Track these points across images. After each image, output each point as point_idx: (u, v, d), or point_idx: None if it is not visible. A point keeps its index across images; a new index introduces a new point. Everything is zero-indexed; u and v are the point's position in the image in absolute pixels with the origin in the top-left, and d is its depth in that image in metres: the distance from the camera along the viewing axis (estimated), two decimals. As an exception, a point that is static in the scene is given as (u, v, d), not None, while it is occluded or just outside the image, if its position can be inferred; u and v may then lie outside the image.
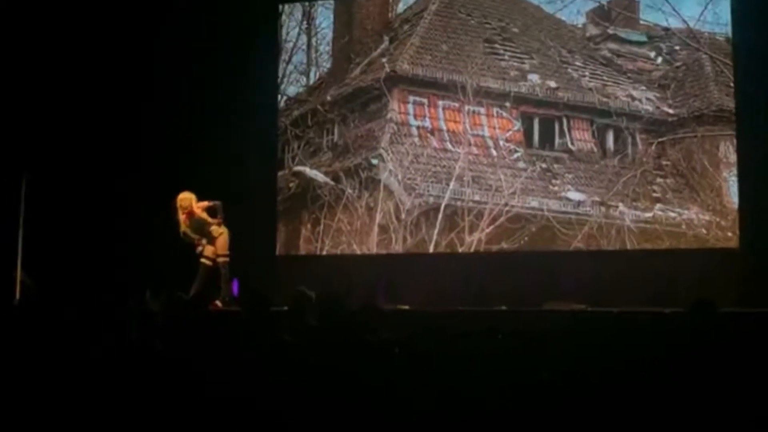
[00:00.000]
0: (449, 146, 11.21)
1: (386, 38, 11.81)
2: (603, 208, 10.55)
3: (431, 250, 11.07)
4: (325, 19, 12.26)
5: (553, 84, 11.01)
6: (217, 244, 10.28)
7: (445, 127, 11.26)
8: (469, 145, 11.14)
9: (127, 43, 11.50)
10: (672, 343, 5.01)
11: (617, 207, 10.51)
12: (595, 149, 10.80)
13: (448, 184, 11.06)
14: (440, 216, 11.04)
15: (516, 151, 11.01)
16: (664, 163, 10.49)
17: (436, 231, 11.04)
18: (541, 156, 10.93)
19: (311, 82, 12.23)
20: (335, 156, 11.77)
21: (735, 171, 10.10)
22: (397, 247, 11.23)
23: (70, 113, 11.47)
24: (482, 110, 11.15)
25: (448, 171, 11.11)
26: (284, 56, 12.24)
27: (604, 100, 10.79)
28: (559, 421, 4.23)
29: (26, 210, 10.14)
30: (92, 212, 11.35)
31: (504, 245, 10.83)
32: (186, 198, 10.25)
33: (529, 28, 11.30)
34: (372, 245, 11.38)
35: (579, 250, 10.57)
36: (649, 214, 10.40)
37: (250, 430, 4.29)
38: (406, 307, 10.07)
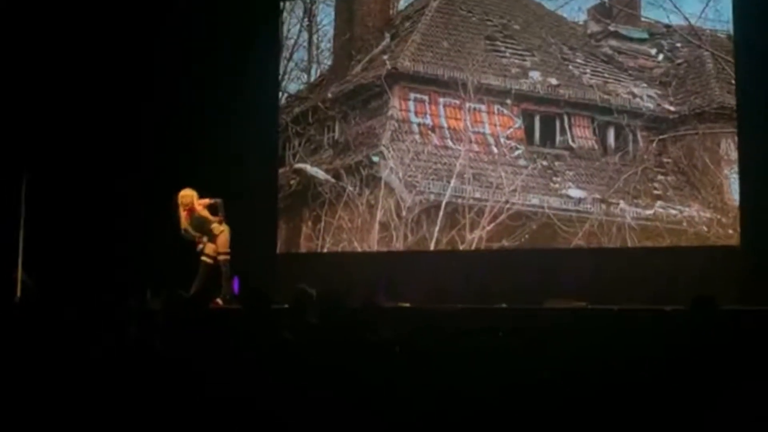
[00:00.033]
0: (450, 143, 11.20)
1: (387, 35, 11.80)
2: (604, 206, 10.54)
3: (432, 247, 11.07)
4: (326, 16, 12.27)
5: (554, 81, 11.00)
6: (217, 242, 10.29)
7: (446, 125, 11.25)
8: (470, 142, 11.13)
9: (127, 42, 11.50)
10: (673, 340, 5.01)
11: (618, 204, 10.50)
12: (596, 146, 10.79)
13: (449, 182, 11.05)
14: (441, 213, 11.03)
15: (517, 149, 11.01)
16: (665, 160, 10.48)
17: (437, 228, 11.04)
18: (542, 153, 10.92)
19: (312, 79, 12.23)
20: (336, 153, 11.77)
21: (736, 168, 10.08)
22: (398, 245, 11.23)
23: (71, 113, 11.48)
24: (483, 107, 11.14)
25: (449, 168, 11.11)
26: (285, 53, 12.24)
27: (605, 97, 10.78)
28: (560, 419, 4.22)
29: (26, 210, 10.15)
30: (93, 211, 11.36)
31: (505, 243, 10.82)
32: (187, 195, 10.25)
33: (530, 25, 11.29)
34: (373, 243, 11.38)
35: (580, 247, 10.57)
36: (650, 212, 10.39)
37: (251, 428, 4.29)
38: (407, 304, 10.09)
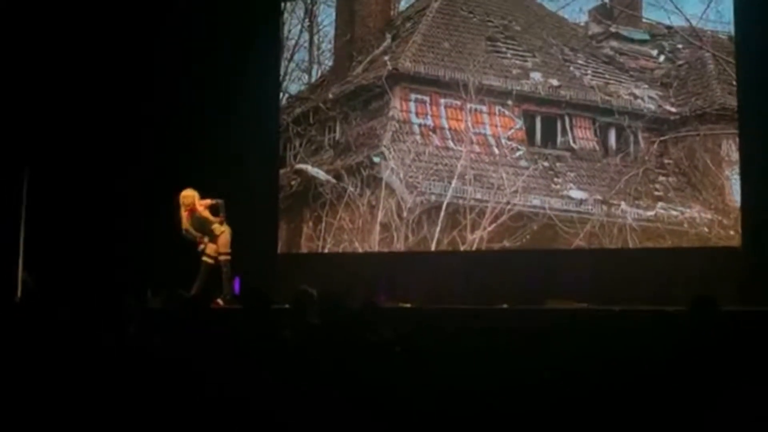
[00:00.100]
0: (451, 144, 11.20)
1: (388, 36, 11.80)
2: (605, 207, 10.54)
3: (433, 248, 11.07)
4: (327, 16, 12.26)
5: (555, 82, 11.00)
6: (218, 242, 10.30)
7: (447, 125, 11.25)
8: (471, 143, 11.13)
9: (127, 42, 11.50)
10: (673, 341, 5.01)
11: (619, 205, 10.50)
12: (597, 148, 10.79)
13: (450, 183, 11.05)
14: (442, 214, 11.03)
15: (518, 150, 11.00)
16: (666, 161, 10.47)
17: (437, 229, 11.03)
18: (543, 154, 10.92)
19: (313, 79, 12.23)
20: (337, 154, 11.77)
21: (737, 169, 10.07)
22: (399, 246, 11.23)
23: (72, 112, 11.47)
24: (484, 108, 11.14)
25: (450, 169, 11.11)
26: (286, 54, 12.24)
27: (607, 98, 10.78)
28: (561, 419, 4.22)
29: (27, 209, 10.16)
30: (94, 210, 11.36)
31: (506, 243, 10.82)
32: (189, 195, 10.26)
33: (531, 26, 11.29)
34: (374, 243, 11.37)
35: (581, 248, 10.56)
36: (651, 213, 10.39)
37: (251, 428, 4.29)
38: (408, 305, 10.10)
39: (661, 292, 9.22)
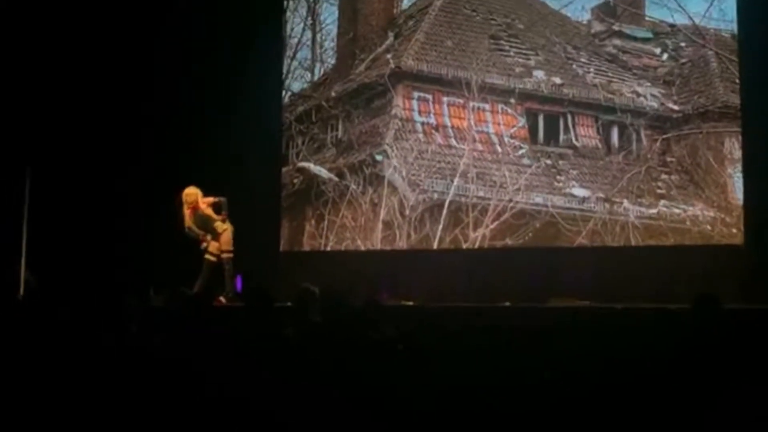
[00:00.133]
0: (454, 142, 11.19)
1: (391, 34, 11.80)
2: (607, 205, 10.53)
3: (435, 246, 11.07)
4: (329, 15, 12.26)
5: (558, 80, 11.00)
6: (221, 240, 10.30)
7: (449, 124, 11.25)
8: (474, 141, 11.13)
9: (128, 42, 11.50)
10: (676, 339, 5.00)
11: (622, 203, 10.49)
12: (600, 145, 10.78)
13: (452, 180, 11.04)
14: (444, 212, 11.02)
15: (521, 148, 11.00)
16: (669, 159, 10.47)
17: (440, 227, 11.03)
18: (546, 152, 10.92)
19: (316, 78, 12.23)
20: (339, 152, 11.77)
21: (740, 167, 10.06)
22: (402, 243, 11.23)
23: (72, 112, 11.49)
24: (487, 106, 11.14)
25: (452, 167, 11.10)
26: (288, 52, 12.24)
27: (609, 96, 10.77)
28: (563, 417, 4.22)
29: (29, 208, 10.17)
30: (96, 210, 11.37)
31: (508, 241, 10.81)
32: (192, 193, 10.27)
33: (534, 24, 11.28)
34: (376, 241, 11.38)
35: (583, 246, 10.55)
36: (653, 211, 10.38)
37: (253, 426, 4.29)
38: (410, 302, 10.11)
39: (663, 290, 9.21)
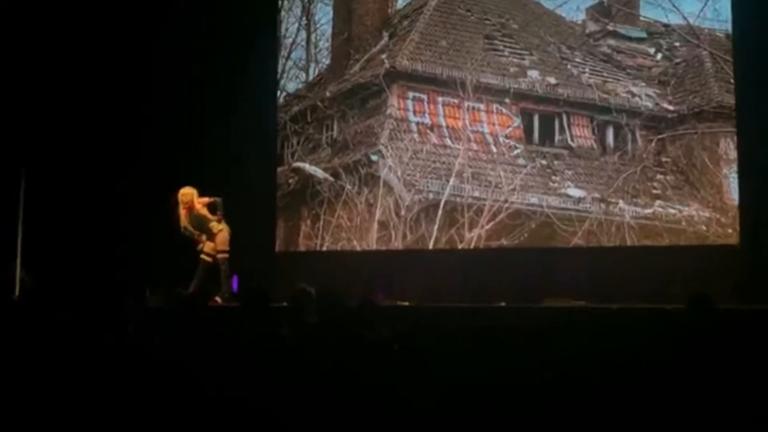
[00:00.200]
0: (449, 142, 11.20)
1: (385, 34, 11.80)
2: (603, 205, 10.54)
3: (431, 246, 11.07)
4: (324, 15, 12.26)
5: (552, 80, 11.00)
6: (217, 241, 10.30)
7: (444, 123, 11.25)
8: (469, 141, 11.13)
9: (128, 42, 11.50)
10: (671, 339, 5.01)
11: (617, 203, 10.50)
12: (595, 146, 10.80)
13: (447, 181, 11.05)
14: (440, 212, 11.03)
15: (516, 148, 11.01)
16: (664, 159, 10.48)
17: (435, 227, 11.03)
18: (541, 152, 10.93)
19: (310, 78, 12.23)
20: (335, 152, 11.77)
21: (735, 168, 10.07)
22: (397, 244, 11.23)
23: (71, 112, 11.48)
24: (482, 106, 11.14)
25: (447, 167, 11.11)
26: (283, 52, 12.24)
27: (604, 96, 10.78)
28: (559, 417, 4.23)
29: (25, 208, 10.16)
30: (92, 210, 11.36)
31: (504, 242, 10.82)
32: (187, 193, 10.26)
33: (528, 24, 11.29)
34: (372, 241, 11.38)
35: (579, 246, 10.56)
36: (649, 211, 10.39)
37: (249, 426, 4.29)
38: (406, 303, 10.11)
39: (658, 290, 9.21)
